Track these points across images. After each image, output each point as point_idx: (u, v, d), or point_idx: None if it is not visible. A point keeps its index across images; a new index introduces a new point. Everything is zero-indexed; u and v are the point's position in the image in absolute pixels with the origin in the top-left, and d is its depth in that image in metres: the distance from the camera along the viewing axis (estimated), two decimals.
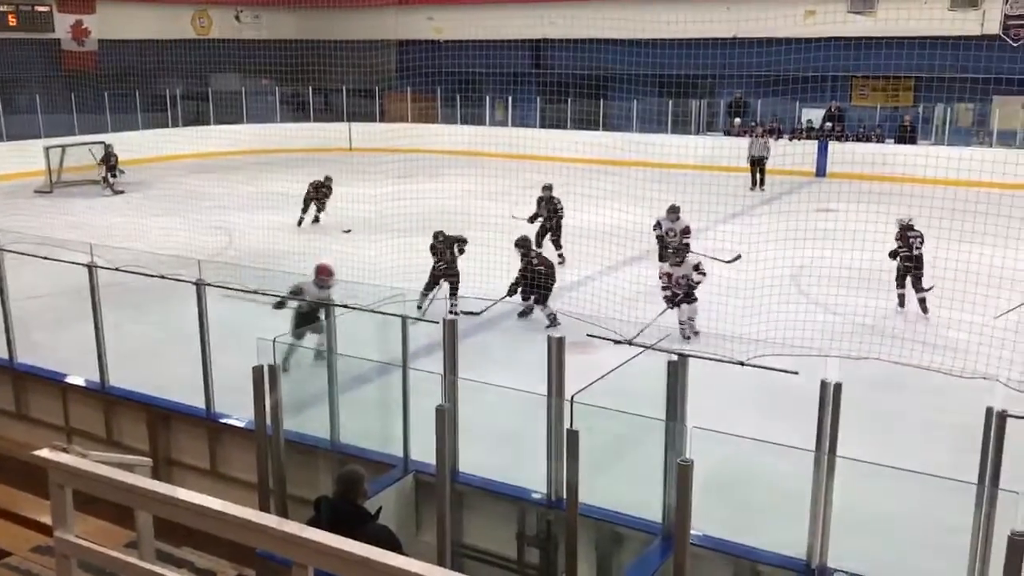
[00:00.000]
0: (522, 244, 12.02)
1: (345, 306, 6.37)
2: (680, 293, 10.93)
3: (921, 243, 11.76)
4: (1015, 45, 23.33)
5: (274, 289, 9.10)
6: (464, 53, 27.54)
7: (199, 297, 7.56)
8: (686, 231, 13.71)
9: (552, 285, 11.66)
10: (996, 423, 4.18)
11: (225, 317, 8.41)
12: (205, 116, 29.34)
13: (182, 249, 12.74)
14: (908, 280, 11.76)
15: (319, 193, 17.76)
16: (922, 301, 11.54)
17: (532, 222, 15.24)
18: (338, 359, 6.35)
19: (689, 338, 10.77)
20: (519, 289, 11.70)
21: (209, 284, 7.62)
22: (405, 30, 30.55)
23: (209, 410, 7.49)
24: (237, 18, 32.17)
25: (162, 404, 7.86)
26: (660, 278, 11.28)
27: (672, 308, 10.99)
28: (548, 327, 11.08)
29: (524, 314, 11.89)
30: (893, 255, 11.98)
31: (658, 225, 14.28)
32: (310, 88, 30.38)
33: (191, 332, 7.77)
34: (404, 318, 5.79)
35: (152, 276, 8.29)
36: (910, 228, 11.93)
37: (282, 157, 26.26)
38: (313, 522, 4.56)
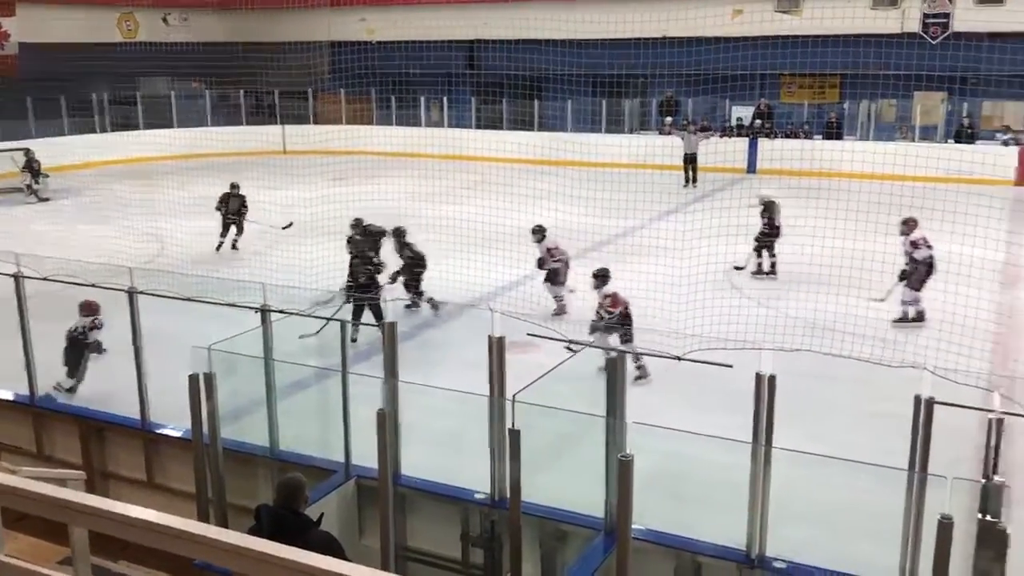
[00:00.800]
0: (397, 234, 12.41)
1: (282, 311, 6.29)
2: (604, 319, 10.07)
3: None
4: (934, 42, 24.04)
5: (211, 296, 8.94)
6: (398, 54, 27.45)
7: (131, 306, 7.40)
8: (551, 252, 12.63)
9: (420, 274, 12.19)
10: (924, 410, 4.30)
11: (162, 325, 8.25)
12: (134, 121, 28.68)
13: (113, 257, 12.46)
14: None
15: (229, 208, 16.38)
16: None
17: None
18: (275, 365, 6.28)
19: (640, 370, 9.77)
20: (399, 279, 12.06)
21: (142, 292, 7.47)
22: (337, 31, 30.30)
23: (144, 421, 7.34)
24: (165, 20, 31.53)
25: (95, 416, 7.68)
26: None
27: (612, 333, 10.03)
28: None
29: (410, 306, 12.14)
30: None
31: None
32: (241, 91, 29.92)
33: (126, 341, 7.60)
34: (343, 322, 5.75)
35: (83, 285, 8.09)
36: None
37: (214, 161, 25.83)
38: (254, 531, 4.51)
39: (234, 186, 16.72)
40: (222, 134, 27.91)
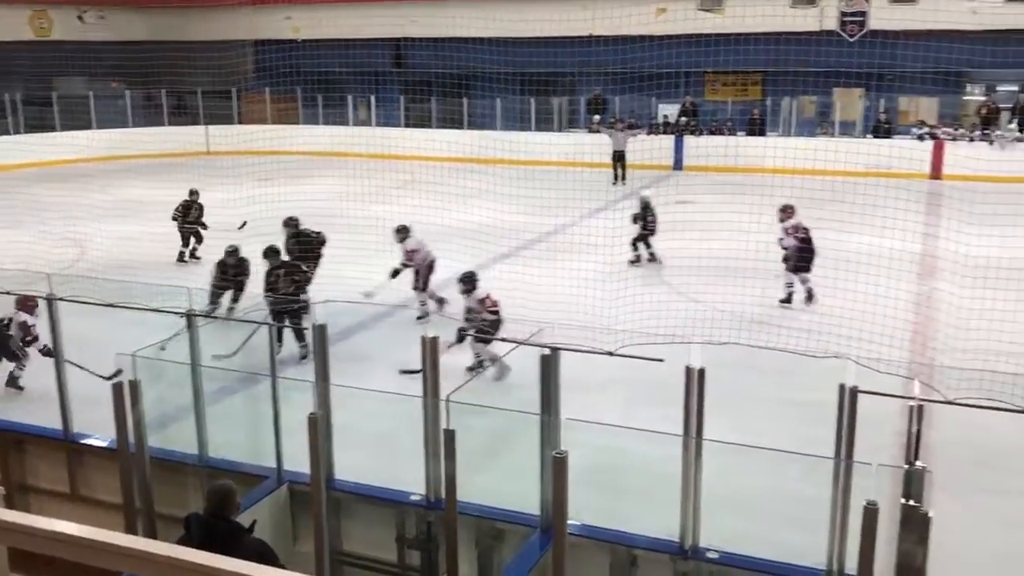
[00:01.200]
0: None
1: (210, 316, 6.17)
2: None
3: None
4: (851, 40, 24.70)
5: (135, 302, 8.72)
6: (324, 53, 27.11)
7: (51, 313, 7.18)
8: (410, 254, 12.28)
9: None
10: (849, 399, 4.41)
11: (83, 333, 8.02)
12: (50, 122, 27.79)
13: (29, 263, 12.06)
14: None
15: (188, 217, 15.58)
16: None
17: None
18: (203, 371, 6.15)
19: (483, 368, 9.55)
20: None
21: (62, 299, 7.24)
22: (262, 29, 29.81)
23: (67, 431, 7.12)
24: (80, 18, 30.57)
25: (13, 428, 7.42)
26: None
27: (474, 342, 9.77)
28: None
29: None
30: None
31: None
32: (163, 91, 29.21)
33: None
34: (271, 326, 5.66)
35: None
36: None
37: (136, 163, 25.22)
38: (183, 540, 4.42)
39: (193, 193, 15.86)
40: (144, 135, 27.26)
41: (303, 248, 12.28)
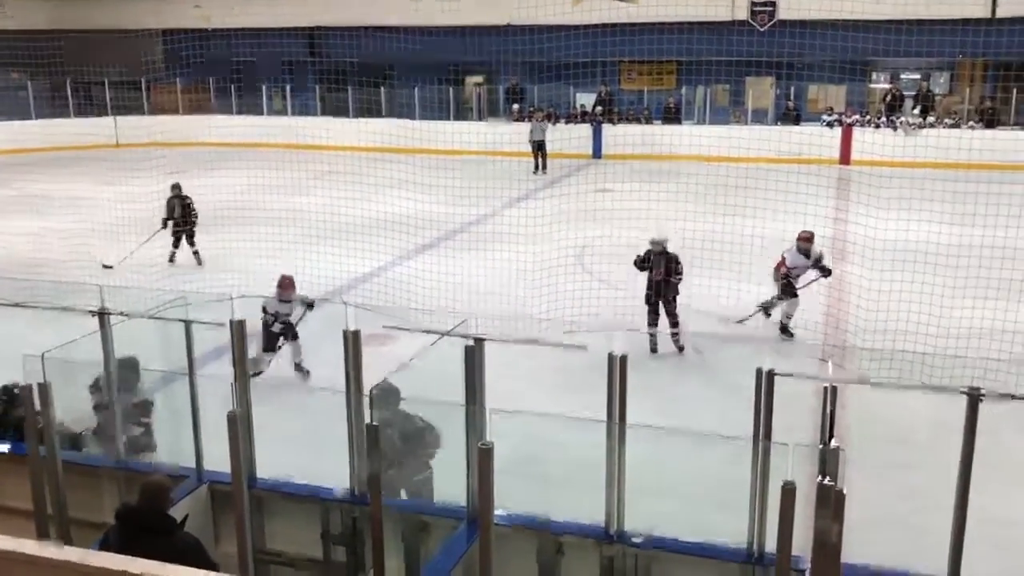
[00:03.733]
0: None
1: (123, 314, 5.98)
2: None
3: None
4: (762, 30, 25.23)
5: (44, 300, 8.40)
6: (235, 42, 26.52)
7: None
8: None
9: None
10: (766, 382, 4.50)
11: None
12: None
13: None
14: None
15: (183, 213, 14.38)
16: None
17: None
18: (116, 371, 5.97)
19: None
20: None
21: None
22: (169, 18, 29.05)
23: None
24: None
25: None
26: None
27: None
28: None
29: None
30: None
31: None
32: (68, 81, 28.19)
33: None
34: (187, 323, 5.52)
35: None
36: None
37: (41, 156, 24.31)
38: (111, 533, 4.36)
39: (176, 187, 14.52)
40: (49, 127, 26.28)
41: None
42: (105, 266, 13.60)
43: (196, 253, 14.47)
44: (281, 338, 9.58)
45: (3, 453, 6.59)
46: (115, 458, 6.01)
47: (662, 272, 10.29)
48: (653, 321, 10.30)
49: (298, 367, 9.61)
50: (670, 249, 10.52)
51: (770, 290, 10.98)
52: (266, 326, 9.42)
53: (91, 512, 5.42)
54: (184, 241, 14.48)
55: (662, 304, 10.40)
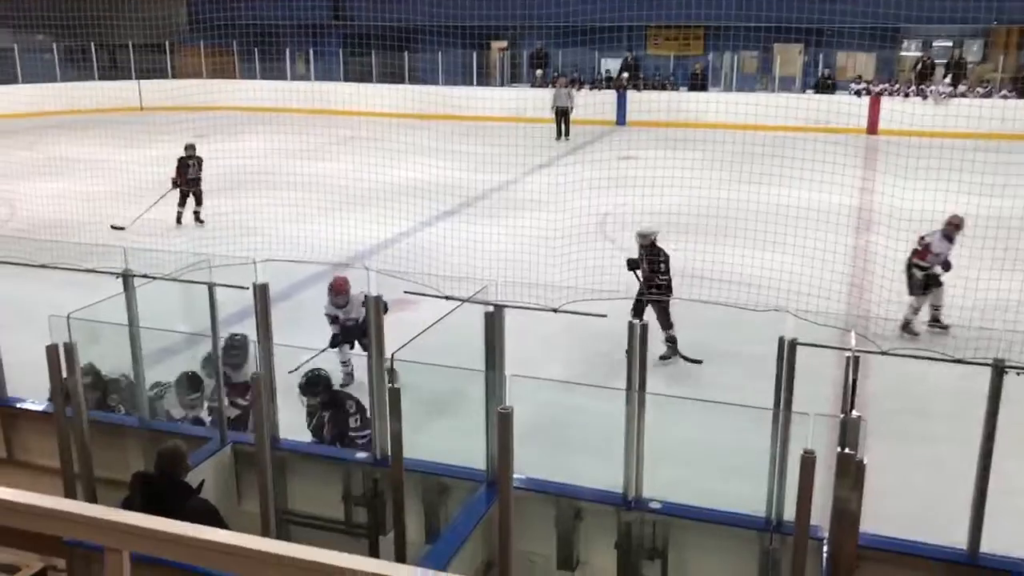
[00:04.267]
0: None
1: (146, 276, 6.03)
2: None
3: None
4: None
5: (68, 262, 8.48)
6: (260, 4, 26.46)
7: None
8: None
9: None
10: (788, 351, 4.48)
11: (14, 295, 7.80)
12: None
13: None
14: None
15: (188, 174, 14.29)
16: None
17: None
18: (142, 332, 6.03)
19: None
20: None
21: None
22: None
23: (2, 396, 6.95)
24: None
25: None
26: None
27: None
28: None
29: None
30: None
31: None
32: (93, 44, 28.25)
33: None
34: (211, 285, 5.55)
35: None
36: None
37: (66, 119, 24.44)
38: (128, 500, 4.41)
39: (190, 147, 14.39)
40: (73, 90, 26.38)
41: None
42: (114, 227, 13.66)
43: (197, 213, 14.38)
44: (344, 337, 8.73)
45: (31, 411, 6.70)
46: (141, 417, 6.09)
47: (647, 270, 9.22)
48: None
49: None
50: (671, 248, 9.63)
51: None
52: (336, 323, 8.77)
53: (117, 471, 5.49)
54: (192, 199, 14.37)
55: (655, 312, 9.09)
